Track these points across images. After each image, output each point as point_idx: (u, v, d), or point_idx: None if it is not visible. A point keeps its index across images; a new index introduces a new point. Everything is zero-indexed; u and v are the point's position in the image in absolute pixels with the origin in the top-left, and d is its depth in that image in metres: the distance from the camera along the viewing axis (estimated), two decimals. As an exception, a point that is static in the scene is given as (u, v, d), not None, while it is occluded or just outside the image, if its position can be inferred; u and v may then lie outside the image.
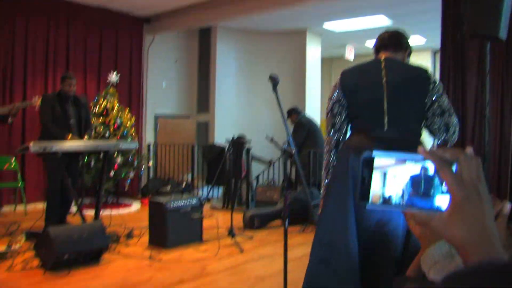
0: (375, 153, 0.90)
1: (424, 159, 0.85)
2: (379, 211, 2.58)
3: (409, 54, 3.11)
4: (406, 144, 2.64)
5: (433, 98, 2.78)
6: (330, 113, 2.93)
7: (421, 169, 0.87)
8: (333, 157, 2.90)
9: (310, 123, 8.11)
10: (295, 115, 8.15)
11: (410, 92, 2.81)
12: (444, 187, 0.84)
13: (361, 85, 2.91)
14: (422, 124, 2.86)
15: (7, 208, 7.77)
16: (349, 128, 2.98)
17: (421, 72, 2.88)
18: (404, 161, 0.90)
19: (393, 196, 0.89)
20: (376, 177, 0.90)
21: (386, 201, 0.89)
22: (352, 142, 2.85)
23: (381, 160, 0.90)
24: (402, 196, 0.89)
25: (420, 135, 2.89)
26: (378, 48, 3.16)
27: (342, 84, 2.98)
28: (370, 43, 11.52)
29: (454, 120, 2.81)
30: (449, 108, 2.82)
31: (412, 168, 0.88)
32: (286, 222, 3.43)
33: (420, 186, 0.88)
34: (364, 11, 8.90)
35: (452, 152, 0.80)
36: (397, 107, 2.77)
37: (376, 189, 0.90)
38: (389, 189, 0.89)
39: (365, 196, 0.90)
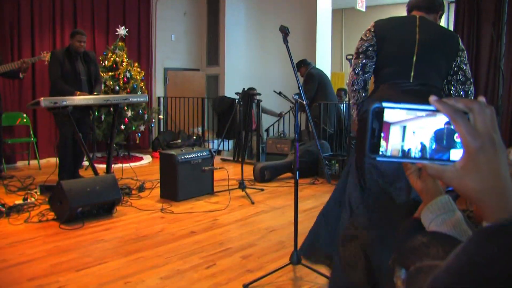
0: (385, 103, 0.88)
1: (437, 109, 0.84)
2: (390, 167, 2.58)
3: (440, 16, 3.09)
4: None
5: (460, 65, 2.82)
6: (363, 54, 2.88)
7: (445, 124, 0.85)
8: (363, 95, 2.88)
9: (320, 75, 7.99)
10: (304, 67, 8.01)
11: (440, 53, 2.82)
12: (457, 138, 0.83)
13: (393, 37, 2.91)
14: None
15: (21, 163, 7.88)
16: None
17: (453, 37, 2.91)
18: (416, 112, 0.88)
19: (412, 149, 0.88)
20: (395, 130, 0.89)
21: (405, 154, 0.88)
22: (379, 94, 2.83)
23: (392, 111, 0.89)
24: (421, 150, 0.88)
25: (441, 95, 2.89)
26: (411, 7, 3.18)
27: (376, 31, 2.95)
28: (382, -7, 11.30)
29: (472, 89, 2.88)
30: (470, 77, 2.87)
31: (432, 122, 0.87)
32: (297, 174, 3.44)
33: (443, 140, 0.86)
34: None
35: (466, 102, 0.77)
36: (424, 64, 2.77)
37: (395, 143, 0.89)
38: (408, 143, 0.88)
39: (375, 148, 0.89)
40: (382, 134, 0.90)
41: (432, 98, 0.82)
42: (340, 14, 13.21)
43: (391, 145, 0.90)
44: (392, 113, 0.89)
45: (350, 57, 4.29)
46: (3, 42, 7.60)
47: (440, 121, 0.86)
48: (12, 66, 6.38)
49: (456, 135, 0.84)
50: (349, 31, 13.33)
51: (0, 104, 6.63)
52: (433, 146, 0.87)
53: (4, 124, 7.06)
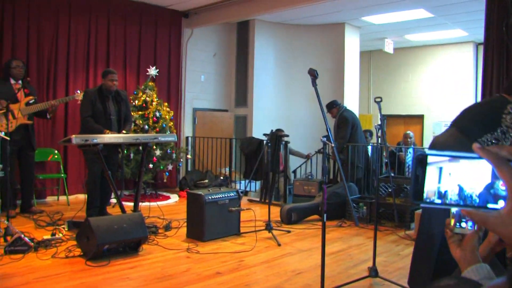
0: (428, 151, 0.90)
1: (480, 157, 0.83)
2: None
3: None
4: None
5: None
6: None
7: (492, 171, 0.86)
8: None
9: (353, 118, 7.97)
10: (336, 108, 7.98)
11: None
12: (502, 186, 0.82)
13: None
14: None
15: (50, 198, 7.99)
16: None
17: None
18: (458, 158, 0.89)
19: (449, 191, 0.88)
20: (431, 171, 0.89)
21: (441, 196, 0.88)
22: None
23: (435, 158, 0.89)
24: (459, 193, 0.87)
25: None
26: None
27: None
28: (410, 37, 11.37)
29: None
30: None
31: (471, 166, 0.86)
32: (324, 217, 3.40)
33: (490, 188, 0.87)
34: (403, 5, 8.75)
35: (509, 150, 0.77)
36: None
37: (431, 184, 0.89)
38: (444, 185, 0.88)
39: (418, 194, 0.89)
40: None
41: (476, 146, 0.82)
42: (368, 56, 13.29)
43: (427, 186, 0.89)
44: (434, 159, 0.89)
45: (378, 99, 4.29)
46: (41, 80, 7.81)
47: (479, 166, 0.85)
48: (42, 107, 6.56)
49: (500, 182, 0.83)
50: (377, 73, 13.37)
51: (34, 141, 6.78)
52: (475, 191, 0.86)
53: (37, 159, 7.21)
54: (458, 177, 0.88)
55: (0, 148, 4.99)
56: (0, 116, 6.15)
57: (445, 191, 0.89)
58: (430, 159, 0.90)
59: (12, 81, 6.56)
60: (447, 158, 0.90)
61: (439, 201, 0.88)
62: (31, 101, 6.58)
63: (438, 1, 8.46)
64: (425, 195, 0.90)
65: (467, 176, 0.87)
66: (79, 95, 6.60)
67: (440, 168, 0.89)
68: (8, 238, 4.84)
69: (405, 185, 6.54)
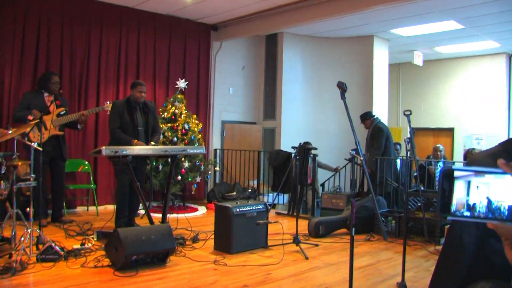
0: (454, 167, 0.93)
1: (505, 172, 0.87)
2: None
3: None
4: None
5: None
6: None
7: None
8: None
9: (387, 129, 7.96)
10: (370, 120, 7.99)
11: None
12: None
13: None
14: None
15: (80, 208, 8.11)
16: None
17: None
18: (483, 173, 0.92)
19: (478, 204, 0.91)
20: (460, 185, 0.92)
21: (470, 208, 0.91)
22: None
23: (461, 172, 0.92)
24: (488, 205, 0.90)
25: None
26: None
27: None
28: (440, 49, 11.24)
29: None
30: None
31: (495, 179, 0.89)
32: (353, 231, 3.36)
33: None
34: (433, 17, 8.67)
35: None
36: None
37: (460, 197, 0.93)
38: (473, 198, 0.91)
39: (445, 208, 0.92)
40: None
41: (501, 162, 0.86)
42: (397, 69, 13.18)
43: (456, 199, 0.91)
44: (460, 173, 0.92)
45: (408, 112, 4.25)
46: (73, 92, 7.97)
47: (507, 180, 0.88)
48: (72, 118, 6.69)
49: None
50: (406, 85, 13.24)
51: (65, 151, 6.91)
52: (503, 204, 0.88)
53: (67, 170, 7.35)
54: (486, 190, 0.90)
55: (32, 158, 5.08)
56: (33, 127, 6.28)
57: (474, 204, 0.92)
58: (456, 173, 0.93)
59: (45, 94, 6.72)
60: (473, 172, 0.93)
61: (468, 213, 0.91)
62: (62, 113, 6.72)
63: (469, 13, 8.35)
64: (453, 207, 0.92)
65: (495, 190, 0.89)
66: (108, 106, 6.71)
67: (468, 182, 0.92)
68: (40, 246, 4.93)
69: (435, 199, 6.43)
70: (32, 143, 5.09)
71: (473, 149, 8.73)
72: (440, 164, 8.61)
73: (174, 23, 9.34)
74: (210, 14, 9.18)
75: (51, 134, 6.56)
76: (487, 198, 0.91)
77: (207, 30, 9.96)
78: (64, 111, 6.78)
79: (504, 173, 0.88)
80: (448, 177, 0.94)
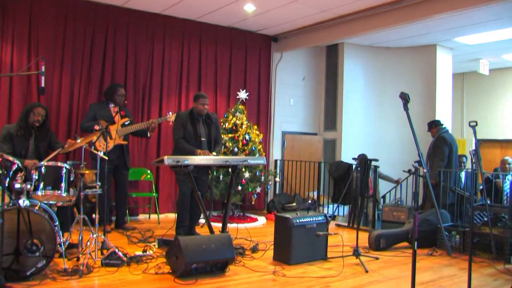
0: None
1: None
2: None
3: None
4: None
5: None
6: None
7: None
8: None
9: (452, 141, 7.77)
10: (436, 128, 7.84)
11: None
12: None
13: None
14: None
15: (142, 216, 8.31)
16: None
17: None
18: None
19: None
20: None
21: None
22: None
23: None
24: None
25: None
26: None
27: None
28: (507, 56, 10.82)
29: None
30: None
31: None
32: (415, 244, 3.27)
33: None
34: (501, 23, 8.35)
35: None
36: None
37: None
38: None
39: None
40: None
41: None
42: (461, 78, 12.79)
43: None
44: None
45: (473, 123, 4.11)
46: (137, 104, 8.21)
47: None
48: (142, 126, 6.93)
49: None
50: (471, 95, 12.81)
51: (128, 160, 7.13)
52: None
53: (131, 178, 7.56)
54: None
55: (98, 167, 5.26)
56: (99, 136, 6.52)
57: None
58: None
59: (111, 105, 6.97)
60: None
61: None
62: (126, 123, 6.95)
63: (539, 19, 8.02)
64: None
65: None
66: (170, 116, 6.89)
67: None
68: (104, 251, 5.09)
69: (504, 214, 6.15)
70: (98, 152, 5.27)
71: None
72: (509, 177, 8.26)
73: (235, 34, 9.46)
74: (270, 25, 9.24)
75: (116, 144, 6.79)
76: None
77: (268, 41, 10.03)
78: (129, 121, 7.00)
79: None
80: None
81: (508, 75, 12.03)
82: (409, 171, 7.87)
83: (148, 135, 7.17)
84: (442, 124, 7.95)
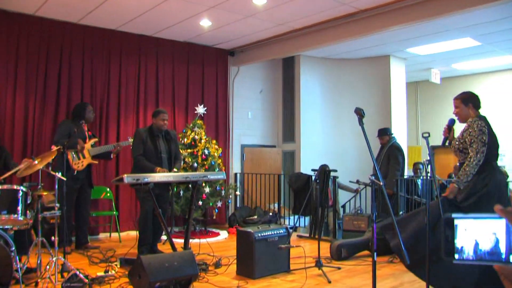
0: (454, 215, 1.00)
1: (500, 216, 0.94)
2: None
3: None
4: None
5: None
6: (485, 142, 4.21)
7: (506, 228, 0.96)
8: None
9: (402, 149, 8.00)
10: (388, 136, 8.01)
11: None
12: None
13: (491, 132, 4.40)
14: None
15: (102, 235, 8.18)
16: None
17: None
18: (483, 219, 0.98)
19: (465, 247, 0.96)
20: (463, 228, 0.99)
21: (458, 251, 0.97)
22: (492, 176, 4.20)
23: (461, 221, 0.99)
24: (475, 248, 0.96)
25: None
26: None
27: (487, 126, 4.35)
28: (457, 66, 11.20)
29: None
30: None
31: (484, 224, 0.97)
32: (375, 255, 3.35)
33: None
34: (449, 35, 8.68)
35: None
36: None
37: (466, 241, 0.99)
38: (460, 241, 0.97)
39: (450, 252, 0.98)
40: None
41: (498, 207, 0.94)
42: (414, 87, 13.13)
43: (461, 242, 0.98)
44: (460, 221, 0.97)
45: (426, 135, 4.24)
46: (94, 121, 8.10)
47: (496, 225, 0.94)
48: (110, 148, 6.99)
49: None
50: (424, 103, 13.16)
51: (91, 179, 7.07)
52: (486, 247, 0.94)
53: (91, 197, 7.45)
54: (475, 234, 0.97)
55: (57, 188, 5.16)
56: (73, 154, 6.67)
57: (462, 247, 0.98)
58: (456, 221, 0.99)
59: (82, 123, 6.92)
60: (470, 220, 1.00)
61: (456, 256, 0.97)
62: (92, 143, 6.95)
63: (485, 29, 8.33)
64: (456, 255, 1.00)
65: (481, 233, 0.96)
66: (130, 142, 6.95)
67: (456, 225, 0.99)
68: (65, 274, 4.96)
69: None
70: (57, 173, 5.17)
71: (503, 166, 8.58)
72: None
73: (192, 49, 9.48)
74: (227, 39, 9.30)
75: (88, 163, 6.83)
76: (475, 241, 0.98)
77: (225, 55, 10.08)
78: (94, 142, 7.00)
79: (500, 217, 0.96)
80: (450, 224, 1.01)
81: (458, 83, 12.43)
82: (357, 181, 8.03)
83: (111, 156, 7.16)
84: (392, 134, 8.14)
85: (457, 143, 4.42)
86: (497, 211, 0.91)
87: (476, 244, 0.95)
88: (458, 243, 0.97)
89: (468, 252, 0.97)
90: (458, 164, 4.61)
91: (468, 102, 4.52)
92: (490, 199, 4.08)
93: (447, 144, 4.73)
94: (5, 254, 4.20)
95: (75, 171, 6.65)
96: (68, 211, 6.61)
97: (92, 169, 7.22)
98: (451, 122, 4.35)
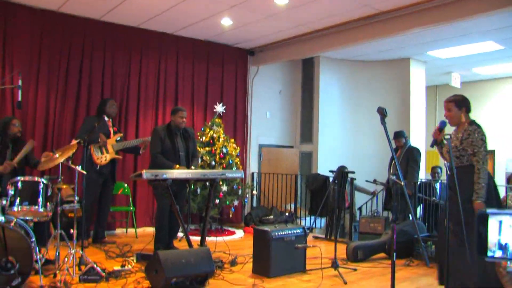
0: (489, 210, 0.98)
1: None
2: None
3: None
4: None
5: None
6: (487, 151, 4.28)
7: None
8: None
9: (419, 152, 7.95)
10: (404, 139, 7.98)
11: None
12: None
13: None
14: None
15: (119, 230, 8.23)
16: None
17: None
18: None
19: (510, 244, 0.95)
20: (492, 224, 0.96)
21: (502, 247, 0.96)
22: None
23: (495, 216, 0.98)
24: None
25: None
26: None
27: None
28: (478, 70, 11.08)
29: None
30: None
31: None
32: (394, 256, 3.33)
33: None
34: (471, 38, 8.59)
35: None
36: None
37: (492, 237, 0.97)
38: (505, 237, 0.96)
39: (483, 250, 0.97)
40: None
41: None
42: (434, 91, 13.02)
43: (489, 238, 0.95)
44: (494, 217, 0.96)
45: (448, 137, 4.21)
46: (113, 118, 8.16)
47: None
48: (136, 143, 7.11)
49: None
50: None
51: (115, 174, 7.18)
52: None
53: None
54: None
55: (76, 182, 5.20)
56: (96, 148, 6.71)
57: (506, 244, 0.96)
58: (496, 217, 0.98)
59: (106, 118, 6.98)
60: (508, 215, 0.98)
61: (500, 252, 0.95)
62: (118, 138, 7.03)
63: (508, 33, 8.23)
64: (489, 252, 0.98)
65: None
66: None
67: (500, 221, 0.97)
68: (82, 267, 5.02)
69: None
70: (77, 167, 5.22)
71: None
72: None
73: (212, 48, 9.50)
74: (247, 39, 9.32)
75: (112, 158, 6.89)
76: None
77: (244, 55, 10.09)
78: (120, 137, 7.06)
79: None
80: (483, 221, 1.00)
81: (478, 88, 12.31)
82: (374, 181, 7.96)
83: (141, 152, 7.19)
84: (407, 136, 8.14)
85: (454, 148, 4.35)
86: None
87: None
88: (503, 239, 0.97)
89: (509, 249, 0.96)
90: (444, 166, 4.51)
91: (462, 105, 4.49)
92: (486, 202, 4.06)
93: (435, 146, 4.66)
94: (26, 244, 4.25)
95: (98, 166, 6.71)
96: (90, 205, 6.70)
97: (117, 165, 7.26)
98: (443, 124, 4.25)
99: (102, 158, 6.76)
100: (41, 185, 4.91)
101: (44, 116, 7.56)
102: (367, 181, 8.46)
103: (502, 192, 8.65)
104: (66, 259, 4.88)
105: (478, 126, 4.35)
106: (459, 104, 4.46)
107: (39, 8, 7.47)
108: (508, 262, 1.01)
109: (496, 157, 12.07)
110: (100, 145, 6.75)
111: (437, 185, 8.14)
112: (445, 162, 4.38)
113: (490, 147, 12.29)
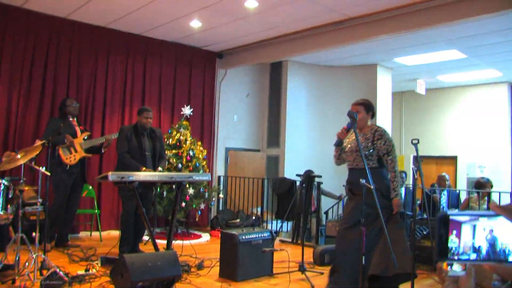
0: (449, 212, 1.01)
1: (497, 214, 0.96)
2: None
3: None
4: None
5: None
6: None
7: None
8: None
9: None
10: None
11: None
12: None
13: None
14: None
15: (83, 234, 8.06)
16: None
17: None
18: (477, 217, 1.00)
19: (483, 246, 0.97)
20: (466, 229, 0.99)
21: (476, 250, 0.98)
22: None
23: (456, 217, 1.00)
24: (489, 247, 0.97)
25: None
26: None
27: None
28: (442, 77, 11.32)
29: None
30: None
31: (493, 223, 0.98)
32: (363, 259, 3.35)
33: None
34: (436, 46, 8.78)
35: None
36: None
37: (467, 240, 0.99)
38: (479, 240, 0.98)
39: (443, 252, 0.99)
40: (454, 232, 0.97)
41: (493, 204, 0.96)
42: (399, 97, 13.24)
43: (463, 242, 0.97)
44: (456, 218, 0.97)
45: (415, 141, 4.27)
46: (79, 118, 7.99)
47: (499, 223, 0.95)
48: (101, 140, 6.93)
49: None
50: (409, 113, 13.27)
51: (85, 174, 7.02)
52: (508, 246, 0.94)
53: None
54: (488, 234, 0.98)
55: (40, 183, 5.07)
56: (64, 149, 6.58)
57: (479, 247, 0.98)
58: (457, 218, 1.00)
59: (70, 118, 6.82)
60: (468, 217, 1.01)
61: (474, 255, 0.97)
62: (85, 137, 6.89)
63: (472, 42, 8.44)
64: (461, 249, 1.00)
65: (499, 232, 0.97)
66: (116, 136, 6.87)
67: (474, 226, 0.99)
68: (44, 271, 4.86)
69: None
70: (40, 168, 5.08)
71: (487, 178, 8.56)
72: (445, 192, 8.59)
73: (180, 50, 9.44)
74: (216, 41, 9.28)
75: (81, 157, 6.73)
76: (487, 240, 0.99)
77: (213, 57, 10.05)
78: (87, 136, 6.93)
79: (496, 215, 0.97)
80: (444, 222, 1.01)
81: (442, 95, 12.57)
82: (339, 196, 8.04)
83: (102, 151, 7.06)
84: None
85: (364, 148, 4.38)
86: (493, 209, 0.92)
87: (495, 245, 0.96)
88: (476, 243, 0.98)
89: (484, 252, 0.97)
90: (352, 167, 4.87)
91: (369, 110, 4.58)
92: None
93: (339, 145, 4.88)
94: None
95: (67, 166, 6.57)
96: (60, 206, 6.55)
97: (86, 164, 7.08)
98: (351, 125, 4.27)
99: (71, 157, 6.61)
100: (2, 187, 4.76)
101: (5, 116, 7.36)
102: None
103: (462, 196, 8.88)
104: (27, 263, 4.72)
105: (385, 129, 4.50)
106: (368, 108, 4.55)
107: (2, 3, 7.27)
108: (449, 267, 1.03)
109: (459, 163, 12.34)
110: (67, 145, 6.61)
111: (402, 190, 8.23)
112: (412, 166, 4.44)
113: (452, 152, 12.57)
